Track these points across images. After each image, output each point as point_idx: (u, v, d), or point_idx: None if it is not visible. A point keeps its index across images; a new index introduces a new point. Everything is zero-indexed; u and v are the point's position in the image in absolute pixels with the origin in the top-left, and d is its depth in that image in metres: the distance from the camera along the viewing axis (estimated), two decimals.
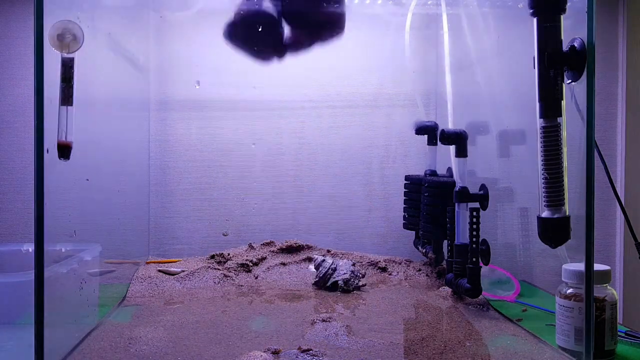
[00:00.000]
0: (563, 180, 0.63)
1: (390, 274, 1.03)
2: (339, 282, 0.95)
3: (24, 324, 0.72)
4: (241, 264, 1.02)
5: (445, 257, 0.95)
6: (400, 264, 1.06)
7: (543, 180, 0.64)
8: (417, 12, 1.13)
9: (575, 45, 0.62)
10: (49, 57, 0.55)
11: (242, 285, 0.97)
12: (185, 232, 1.14)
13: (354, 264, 1.00)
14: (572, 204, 0.64)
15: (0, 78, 1.11)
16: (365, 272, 1.01)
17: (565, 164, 0.63)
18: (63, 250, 0.70)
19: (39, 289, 0.54)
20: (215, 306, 0.85)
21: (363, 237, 1.18)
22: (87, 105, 0.71)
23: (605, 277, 0.67)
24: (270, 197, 1.16)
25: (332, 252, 1.09)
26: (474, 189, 0.86)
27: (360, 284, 0.96)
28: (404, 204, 1.08)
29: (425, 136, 1.08)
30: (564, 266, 0.69)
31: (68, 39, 0.62)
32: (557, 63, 0.63)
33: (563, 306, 0.67)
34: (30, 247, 0.92)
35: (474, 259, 0.82)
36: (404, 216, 1.07)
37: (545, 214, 0.64)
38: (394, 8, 1.15)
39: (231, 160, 1.16)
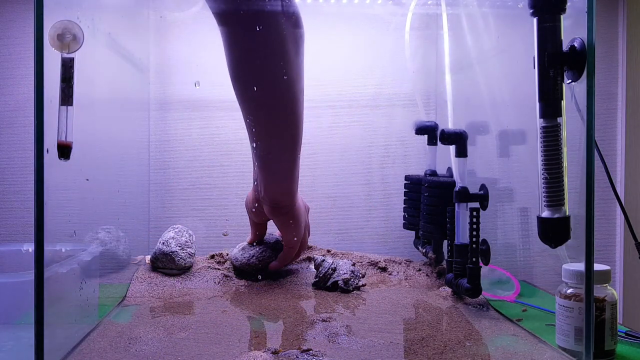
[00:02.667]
0: (563, 180, 0.63)
1: (390, 274, 1.03)
2: (339, 282, 0.95)
3: (24, 324, 0.72)
4: None
5: (445, 257, 0.95)
6: (400, 264, 1.06)
7: (543, 180, 0.64)
8: (417, 12, 1.13)
9: (575, 45, 0.62)
10: (49, 57, 0.55)
11: (242, 285, 0.97)
12: None
13: (354, 264, 0.99)
14: (572, 204, 0.64)
15: (0, 78, 1.11)
16: (365, 272, 1.01)
17: (565, 164, 0.63)
18: (63, 250, 0.70)
19: (39, 289, 0.54)
20: (215, 306, 0.85)
21: (363, 237, 1.17)
22: (87, 105, 0.71)
23: (605, 277, 0.67)
24: None
25: (332, 252, 1.09)
26: (474, 189, 0.86)
27: (360, 284, 0.96)
28: (404, 204, 1.08)
29: (425, 136, 1.08)
30: (564, 266, 0.69)
31: (68, 39, 0.62)
32: (557, 63, 0.63)
33: (563, 306, 0.67)
34: (30, 247, 0.92)
35: (474, 259, 0.82)
36: (404, 216, 1.07)
37: (545, 214, 0.64)
38: (393, 8, 1.15)
39: (231, 160, 1.16)
